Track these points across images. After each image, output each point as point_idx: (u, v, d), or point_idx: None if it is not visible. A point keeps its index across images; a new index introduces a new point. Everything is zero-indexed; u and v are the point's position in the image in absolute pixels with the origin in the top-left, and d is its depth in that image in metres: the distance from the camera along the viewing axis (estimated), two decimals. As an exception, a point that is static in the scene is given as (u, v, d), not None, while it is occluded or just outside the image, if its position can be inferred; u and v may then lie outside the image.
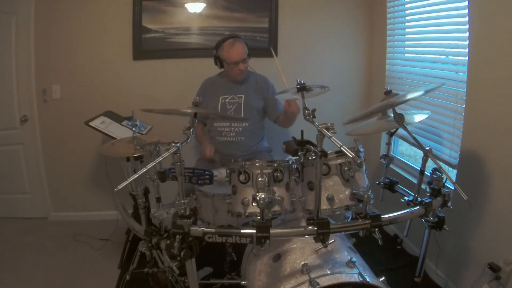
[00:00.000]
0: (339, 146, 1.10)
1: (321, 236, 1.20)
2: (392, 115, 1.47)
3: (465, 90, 1.89)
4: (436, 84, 1.66)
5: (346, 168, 1.27)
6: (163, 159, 1.23)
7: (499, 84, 1.69)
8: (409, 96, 1.51)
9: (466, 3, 1.86)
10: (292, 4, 2.90)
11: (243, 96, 2.39)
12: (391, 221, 1.29)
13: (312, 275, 1.27)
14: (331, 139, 1.11)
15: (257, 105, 2.42)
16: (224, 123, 2.38)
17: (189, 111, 1.41)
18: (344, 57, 3.02)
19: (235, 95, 2.40)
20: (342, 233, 1.55)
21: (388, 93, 1.59)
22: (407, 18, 2.58)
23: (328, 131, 1.12)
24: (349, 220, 1.40)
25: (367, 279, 1.25)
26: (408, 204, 1.50)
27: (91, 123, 2.25)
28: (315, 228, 1.19)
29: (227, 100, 2.40)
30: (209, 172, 1.46)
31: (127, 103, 2.70)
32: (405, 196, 1.61)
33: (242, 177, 1.32)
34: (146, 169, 1.19)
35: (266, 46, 2.91)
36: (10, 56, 2.84)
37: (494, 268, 1.67)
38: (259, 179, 1.24)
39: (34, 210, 3.14)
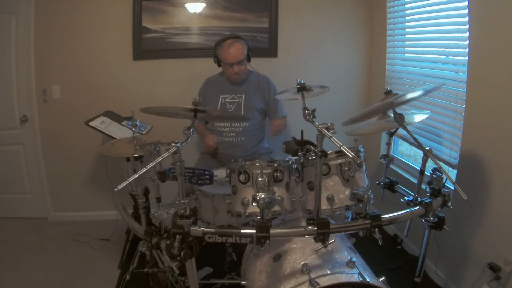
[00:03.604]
0: (339, 146, 1.10)
1: (321, 236, 1.20)
2: (392, 115, 1.47)
3: (465, 90, 1.89)
4: (436, 84, 1.66)
5: (346, 168, 1.27)
6: (163, 159, 1.23)
7: (499, 84, 1.69)
8: (409, 96, 1.51)
9: (466, 3, 1.86)
10: (292, 4, 2.90)
11: (243, 95, 2.39)
12: (391, 221, 1.30)
13: (312, 275, 1.27)
14: (331, 139, 1.11)
15: (258, 105, 2.42)
16: (224, 123, 2.38)
17: (188, 111, 1.41)
18: (344, 57, 3.02)
19: (235, 94, 2.40)
20: (342, 233, 1.55)
21: (388, 93, 1.59)
22: (407, 18, 2.58)
23: (328, 131, 1.12)
24: (349, 220, 1.40)
25: (367, 279, 1.25)
26: (408, 204, 1.50)
27: (91, 123, 2.25)
28: (315, 228, 1.19)
29: (227, 100, 2.40)
30: (209, 172, 1.46)
31: (127, 103, 2.70)
32: (405, 196, 1.61)
33: (242, 177, 1.32)
34: (146, 169, 1.19)
35: (266, 46, 2.91)
36: (10, 56, 2.84)
37: (494, 268, 1.67)
38: (259, 179, 1.24)
39: (34, 210, 3.14)
